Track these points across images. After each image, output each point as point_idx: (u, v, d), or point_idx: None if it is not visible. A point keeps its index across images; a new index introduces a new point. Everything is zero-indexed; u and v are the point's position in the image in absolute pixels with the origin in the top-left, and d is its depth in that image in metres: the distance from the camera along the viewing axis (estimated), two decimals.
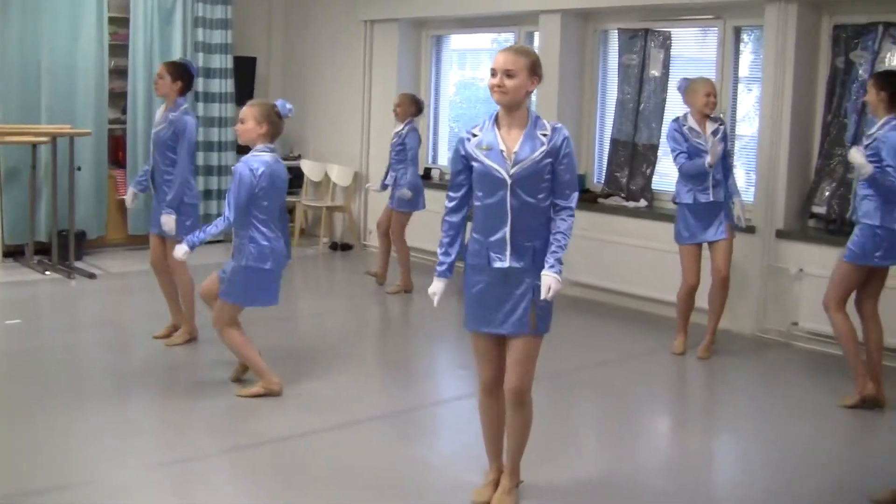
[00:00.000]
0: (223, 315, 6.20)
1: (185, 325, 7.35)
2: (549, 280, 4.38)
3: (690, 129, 7.25)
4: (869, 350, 6.39)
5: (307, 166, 12.10)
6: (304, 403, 6.24)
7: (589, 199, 9.36)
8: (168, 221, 7.03)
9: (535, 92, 4.55)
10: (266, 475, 5.12)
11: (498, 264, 4.46)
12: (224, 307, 6.20)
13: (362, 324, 8.94)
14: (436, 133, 11.47)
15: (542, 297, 4.38)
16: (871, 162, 6.06)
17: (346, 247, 11.78)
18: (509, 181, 4.39)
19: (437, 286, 4.62)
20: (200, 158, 11.16)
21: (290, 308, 8.78)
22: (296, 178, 12.07)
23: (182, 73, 7.15)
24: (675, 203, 7.48)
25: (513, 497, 4.72)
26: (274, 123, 6.10)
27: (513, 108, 4.42)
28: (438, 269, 4.63)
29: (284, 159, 11.55)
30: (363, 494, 4.88)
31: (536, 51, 9.61)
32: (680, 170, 7.30)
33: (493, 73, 4.38)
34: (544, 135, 4.41)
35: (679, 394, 7.14)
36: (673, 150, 7.35)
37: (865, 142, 6.20)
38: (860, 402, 6.32)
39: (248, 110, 6.11)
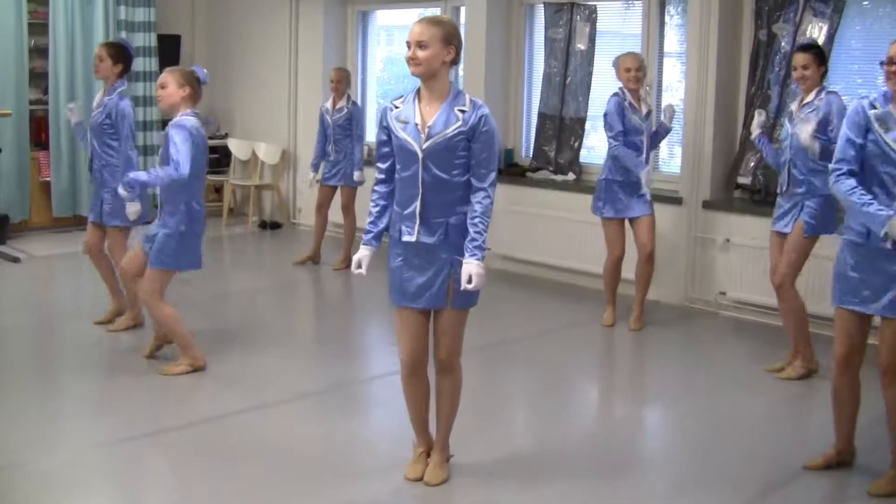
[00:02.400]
0: (154, 285, 6.15)
1: (129, 311, 7.21)
2: (469, 269, 4.35)
3: (630, 104, 7.31)
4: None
5: (234, 145, 11.99)
6: (235, 382, 6.21)
7: (517, 173, 9.40)
8: (132, 209, 6.53)
9: (461, 66, 4.53)
10: (198, 455, 5.09)
11: (406, 238, 4.46)
12: (155, 277, 6.14)
13: (293, 301, 8.91)
14: (363, 109, 11.40)
15: (462, 287, 4.37)
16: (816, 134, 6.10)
17: (275, 225, 11.70)
18: (421, 155, 4.37)
19: (361, 253, 4.56)
20: None
21: (221, 287, 8.73)
22: (223, 156, 11.99)
23: (122, 55, 7.00)
24: (605, 178, 7.43)
25: (445, 471, 4.74)
26: (195, 88, 6.12)
27: (430, 80, 4.38)
28: (364, 237, 4.60)
29: (211, 138, 11.51)
30: (295, 472, 4.87)
31: (462, 26, 9.71)
32: (613, 152, 7.32)
33: (408, 45, 4.34)
34: (462, 110, 4.37)
35: (609, 365, 7.22)
36: (611, 129, 7.31)
37: (803, 112, 6.20)
38: (806, 374, 6.42)
39: (167, 75, 6.10)
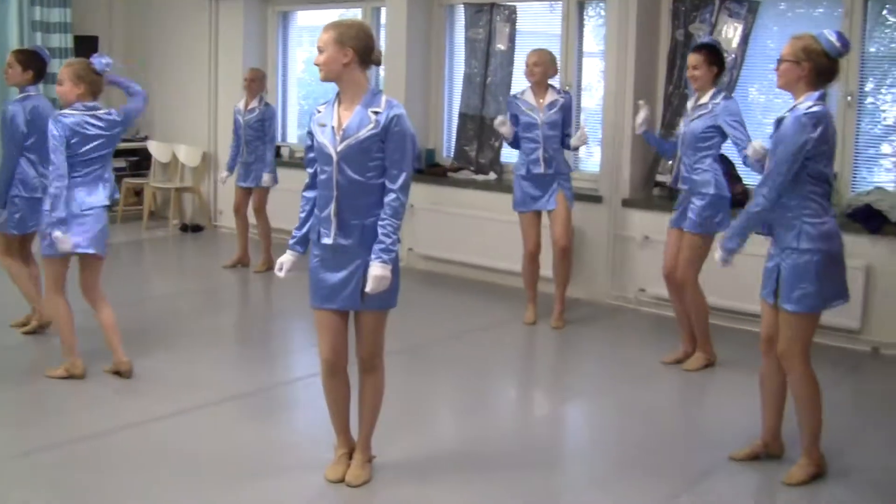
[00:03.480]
0: (48, 274, 6.13)
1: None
2: (373, 271, 4.36)
3: (524, 101, 7.44)
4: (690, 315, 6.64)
5: (154, 147, 11.87)
6: (156, 386, 6.15)
7: (438, 173, 9.43)
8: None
9: (381, 67, 4.55)
10: (117, 463, 5.02)
11: (324, 240, 4.47)
12: (45, 264, 6.12)
13: (215, 304, 8.84)
14: (284, 111, 11.37)
15: (368, 289, 4.39)
16: (707, 135, 6.28)
17: (196, 228, 11.60)
18: (335, 157, 4.38)
19: (284, 258, 4.62)
20: None
21: (141, 290, 8.65)
22: (143, 159, 11.87)
23: (33, 61, 6.83)
24: (515, 173, 7.64)
25: (366, 471, 4.74)
26: (92, 82, 6.03)
27: (339, 82, 4.41)
28: (290, 241, 4.64)
29: (130, 140, 11.40)
30: (214, 476, 4.83)
31: (382, 27, 9.72)
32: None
33: (319, 49, 4.38)
34: (375, 112, 4.38)
35: (530, 362, 7.26)
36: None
37: (697, 112, 6.36)
38: (703, 367, 6.58)
39: (64, 70, 6.02)
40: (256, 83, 9.29)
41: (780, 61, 4.66)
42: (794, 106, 4.62)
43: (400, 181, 4.40)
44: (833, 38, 4.57)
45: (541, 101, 7.39)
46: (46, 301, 6.21)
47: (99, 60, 6.05)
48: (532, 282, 7.69)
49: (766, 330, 4.91)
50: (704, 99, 6.36)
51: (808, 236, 4.61)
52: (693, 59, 6.41)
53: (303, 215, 4.61)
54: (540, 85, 7.41)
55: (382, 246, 4.37)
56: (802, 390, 4.76)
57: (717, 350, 6.66)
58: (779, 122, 4.68)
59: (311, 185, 4.59)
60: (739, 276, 7.05)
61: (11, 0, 10.76)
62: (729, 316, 7.41)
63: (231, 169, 9.46)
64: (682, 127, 6.50)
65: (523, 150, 7.47)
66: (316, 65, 4.37)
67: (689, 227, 6.41)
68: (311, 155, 4.55)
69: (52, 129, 5.87)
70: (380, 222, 4.39)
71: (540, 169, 7.38)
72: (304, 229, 4.61)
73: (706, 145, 6.33)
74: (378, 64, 4.51)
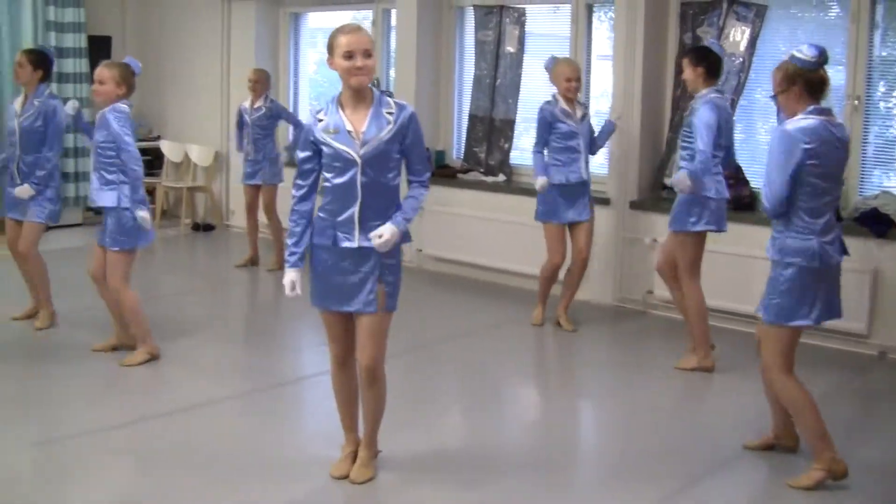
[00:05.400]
0: (120, 268, 6.30)
1: (44, 309, 7.26)
2: (385, 229, 4.41)
3: (562, 110, 7.36)
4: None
5: (166, 147, 11.93)
6: (164, 383, 6.23)
7: (448, 175, 9.46)
8: (23, 191, 6.92)
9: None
10: (124, 457, 5.09)
11: (346, 244, 4.47)
12: (118, 259, 6.28)
13: (225, 303, 8.90)
14: (296, 112, 11.41)
15: (372, 237, 4.41)
16: (686, 133, 6.37)
17: (208, 227, 11.67)
18: (359, 161, 4.40)
19: (291, 276, 4.54)
20: None
21: (153, 289, 8.68)
22: (155, 159, 11.92)
23: (42, 61, 7.06)
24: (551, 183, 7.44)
25: (371, 469, 4.79)
26: (130, 84, 6.27)
27: (365, 87, 4.44)
28: (290, 259, 4.56)
29: (143, 140, 11.46)
30: (220, 472, 4.88)
31: (392, 29, 9.77)
32: (534, 155, 7.49)
33: (350, 55, 4.31)
34: (390, 113, 4.44)
35: (537, 363, 7.29)
36: (537, 137, 7.46)
37: (687, 113, 6.44)
38: (707, 368, 6.59)
39: (105, 72, 6.20)
40: (261, 84, 9.37)
41: (774, 97, 4.76)
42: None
43: (425, 175, 4.56)
44: (804, 53, 4.65)
45: (574, 110, 7.39)
46: (125, 294, 6.38)
47: (136, 63, 6.31)
48: (548, 289, 7.68)
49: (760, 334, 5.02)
50: (695, 102, 6.41)
51: (786, 250, 4.68)
52: (682, 63, 6.53)
53: (298, 229, 4.54)
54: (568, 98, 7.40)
55: (405, 216, 4.47)
56: (789, 400, 4.82)
57: (722, 350, 6.69)
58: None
59: (305, 197, 4.55)
60: (741, 278, 7.11)
61: (26, 0, 10.83)
62: (732, 318, 7.43)
63: (240, 148, 9.65)
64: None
65: (560, 160, 7.37)
66: (361, 69, 4.32)
67: (669, 223, 6.50)
68: (309, 166, 4.51)
69: (118, 121, 6.15)
70: (406, 199, 4.50)
71: (581, 177, 7.38)
72: (304, 244, 4.55)
73: (686, 144, 6.38)
74: None
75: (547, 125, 7.37)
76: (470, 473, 4.95)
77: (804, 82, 4.64)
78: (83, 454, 5.12)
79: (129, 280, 6.43)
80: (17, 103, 7.10)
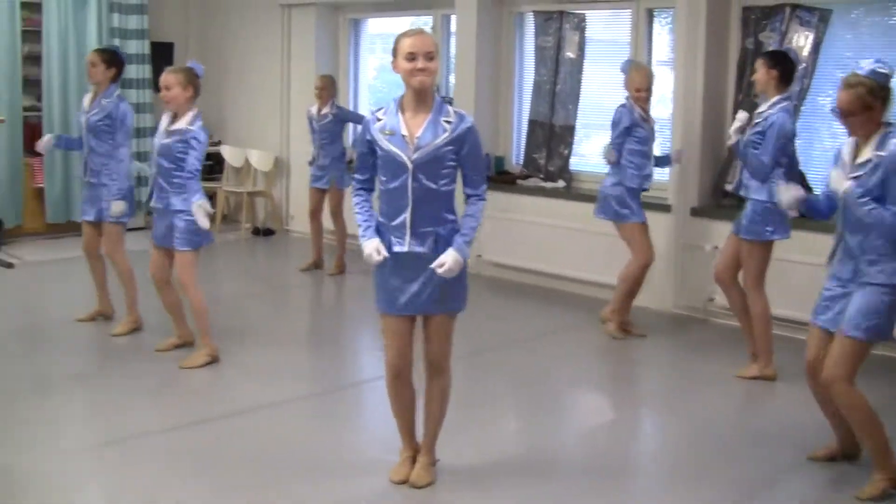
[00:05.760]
0: (190, 267, 6.44)
1: (128, 315, 7.36)
2: (447, 257, 4.42)
3: (639, 114, 7.34)
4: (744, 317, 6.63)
5: (227, 152, 12.04)
6: (224, 386, 6.28)
7: (507, 181, 9.45)
8: (117, 207, 7.05)
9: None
10: (184, 457, 5.14)
11: (397, 248, 4.50)
12: (188, 259, 6.40)
13: (285, 306, 8.96)
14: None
15: (435, 267, 4.42)
16: (754, 140, 6.25)
17: (268, 232, 11.75)
18: (410, 166, 4.42)
19: (371, 244, 4.51)
20: None
21: (213, 293, 8.74)
22: (216, 163, 12.03)
23: (115, 61, 7.20)
24: (627, 186, 7.40)
25: (430, 474, 4.79)
26: (196, 86, 6.37)
27: (426, 91, 4.45)
28: (366, 232, 4.55)
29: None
30: (282, 476, 4.92)
31: (452, 34, 9.78)
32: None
33: (412, 56, 4.36)
34: (448, 121, 4.44)
35: (595, 370, 7.23)
36: (616, 136, 7.40)
37: (755, 120, 6.35)
38: (768, 377, 6.54)
39: (170, 77, 6.30)
40: (326, 90, 9.46)
41: (844, 115, 4.61)
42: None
43: (482, 188, 4.53)
44: (883, 66, 4.58)
45: (648, 116, 7.38)
46: (195, 293, 6.51)
47: (199, 67, 6.42)
48: (635, 293, 7.59)
49: (814, 352, 4.92)
50: (763, 107, 6.33)
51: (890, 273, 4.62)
52: (756, 63, 6.45)
53: (365, 212, 4.60)
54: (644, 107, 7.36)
55: (466, 238, 4.47)
56: (852, 409, 4.74)
57: (783, 359, 6.60)
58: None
59: (363, 190, 4.64)
60: (805, 287, 7.01)
61: (91, 7, 11.00)
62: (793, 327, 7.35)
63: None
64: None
65: (634, 164, 7.34)
66: (423, 70, 4.35)
67: (743, 232, 6.42)
68: (366, 160, 4.57)
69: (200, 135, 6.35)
70: (464, 218, 4.49)
71: (650, 182, 7.41)
72: (372, 221, 4.57)
73: (757, 153, 6.30)
74: None
75: (626, 128, 7.33)
76: (527, 480, 4.93)
77: (885, 98, 4.57)
78: (141, 455, 5.17)
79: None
80: (86, 100, 7.25)
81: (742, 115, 6.31)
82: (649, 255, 7.49)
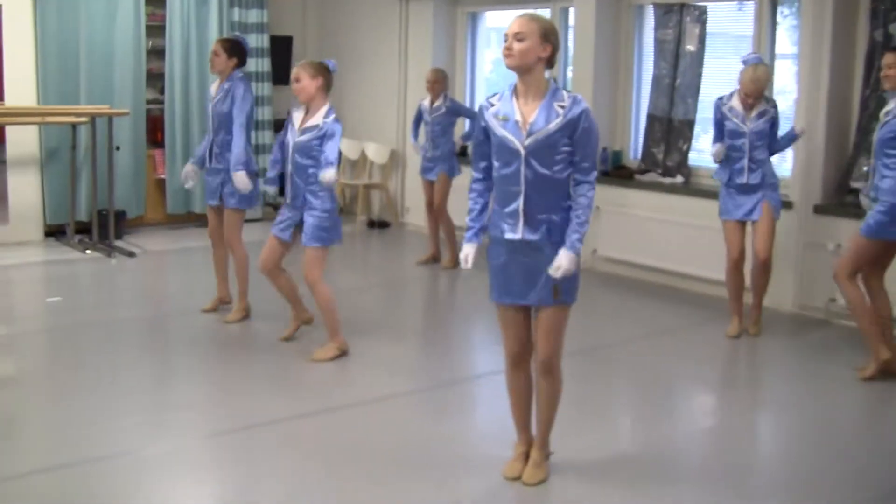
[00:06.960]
0: (318, 264, 6.51)
1: (239, 302, 7.48)
2: (561, 258, 4.36)
3: (731, 108, 7.20)
4: (882, 319, 6.43)
5: (344, 144, 12.11)
6: (341, 378, 6.32)
7: (625, 175, 9.34)
8: (240, 178, 7.09)
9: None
10: (302, 448, 5.19)
11: (509, 235, 4.46)
12: (317, 255, 6.47)
13: (400, 299, 9.00)
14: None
15: (552, 273, 4.38)
16: (889, 137, 6.04)
17: (383, 224, 11.81)
18: (523, 152, 4.37)
19: (467, 250, 4.59)
20: None
21: (331, 285, 8.83)
22: None
23: (237, 50, 7.30)
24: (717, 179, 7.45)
25: (543, 470, 4.75)
26: (326, 79, 6.36)
27: (525, 75, 4.37)
28: (467, 234, 4.63)
29: None
30: (395, 469, 4.92)
31: (571, 27, 9.69)
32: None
33: (506, 38, 4.35)
34: (562, 106, 4.37)
35: (713, 369, 7.10)
36: (714, 131, 7.37)
37: (885, 119, 6.15)
38: (877, 372, 6.36)
39: (298, 70, 6.36)
40: (438, 84, 9.48)
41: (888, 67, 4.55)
42: None
43: (592, 174, 4.44)
44: None
45: (749, 110, 7.19)
46: (322, 288, 6.58)
47: (332, 62, 6.46)
48: (737, 293, 7.43)
49: None
50: (891, 105, 6.13)
51: None
52: (888, 58, 6.22)
53: (476, 206, 4.62)
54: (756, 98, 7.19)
55: (577, 235, 4.39)
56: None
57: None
58: None
59: (482, 178, 4.61)
60: None
61: (212, 3, 11.19)
62: None
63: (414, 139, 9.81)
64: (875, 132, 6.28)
65: (727, 157, 7.26)
66: (507, 50, 4.32)
67: (863, 229, 6.27)
68: (483, 149, 4.55)
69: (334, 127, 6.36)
70: (574, 212, 4.41)
71: (743, 179, 7.18)
72: (482, 221, 4.60)
73: (892, 152, 6.10)
74: (552, 67, 4.50)
75: (717, 121, 7.27)
76: (642, 479, 4.86)
77: None
78: (259, 444, 5.23)
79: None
80: (213, 88, 7.39)
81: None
82: (731, 252, 7.35)
